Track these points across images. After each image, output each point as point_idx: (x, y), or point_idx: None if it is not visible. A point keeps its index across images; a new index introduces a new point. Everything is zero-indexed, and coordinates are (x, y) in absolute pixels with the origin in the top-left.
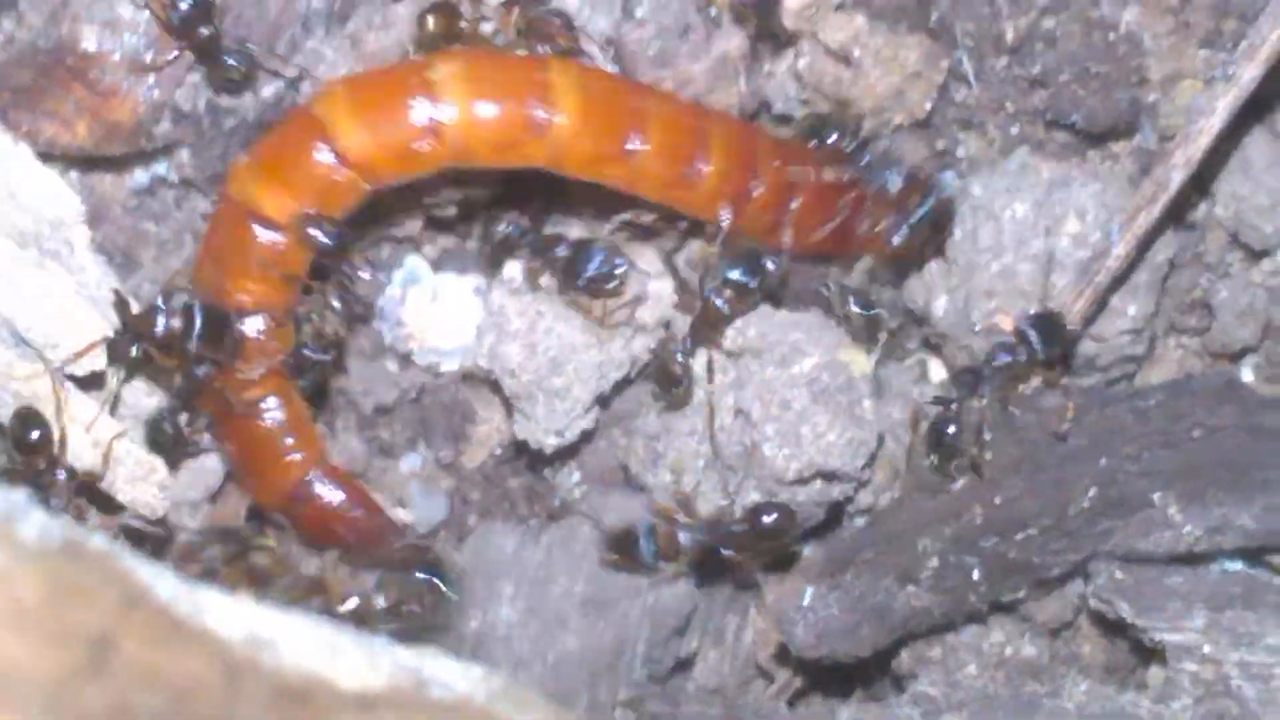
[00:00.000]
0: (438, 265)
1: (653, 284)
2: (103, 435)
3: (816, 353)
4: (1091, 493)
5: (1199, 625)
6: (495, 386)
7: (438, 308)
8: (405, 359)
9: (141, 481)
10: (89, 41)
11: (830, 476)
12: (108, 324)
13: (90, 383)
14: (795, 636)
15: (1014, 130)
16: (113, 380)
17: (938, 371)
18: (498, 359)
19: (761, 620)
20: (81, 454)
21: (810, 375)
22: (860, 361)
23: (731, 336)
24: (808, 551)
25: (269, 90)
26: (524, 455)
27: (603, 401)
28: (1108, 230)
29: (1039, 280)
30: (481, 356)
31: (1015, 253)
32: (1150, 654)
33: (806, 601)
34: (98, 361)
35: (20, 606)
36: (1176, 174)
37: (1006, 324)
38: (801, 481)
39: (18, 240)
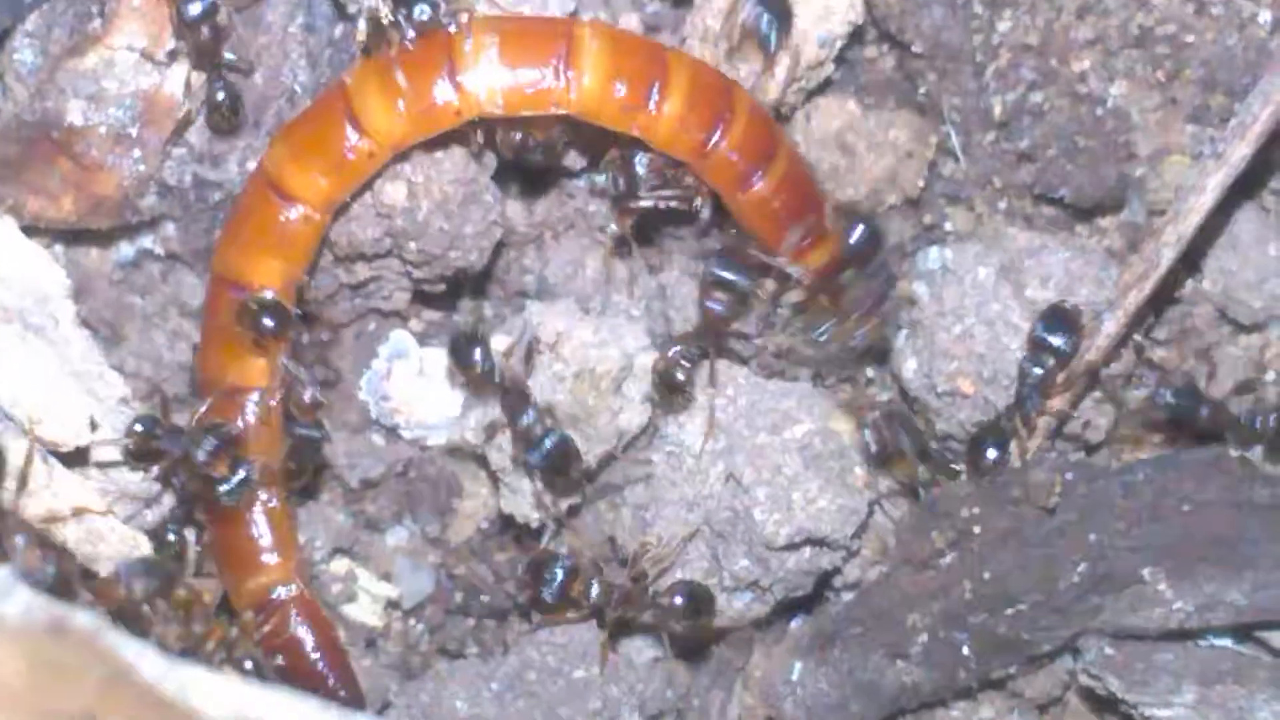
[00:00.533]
0: (424, 339)
1: (639, 358)
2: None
3: (809, 420)
4: (1081, 568)
5: (1189, 700)
6: (481, 460)
7: (424, 382)
8: (391, 433)
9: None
10: (75, 115)
11: (820, 543)
12: (92, 399)
13: (75, 459)
14: (784, 712)
15: (1001, 204)
16: (98, 457)
17: None
18: (484, 433)
19: (748, 696)
20: (66, 531)
21: (803, 441)
22: (852, 430)
23: (722, 405)
24: (796, 625)
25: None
26: (511, 529)
27: (589, 475)
28: (1076, 298)
29: (998, 344)
30: (468, 430)
31: (975, 315)
32: None
33: (795, 676)
34: (82, 437)
35: (4, 686)
36: (1167, 251)
37: (966, 387)
38: (791, 548)
39: (2, 315)
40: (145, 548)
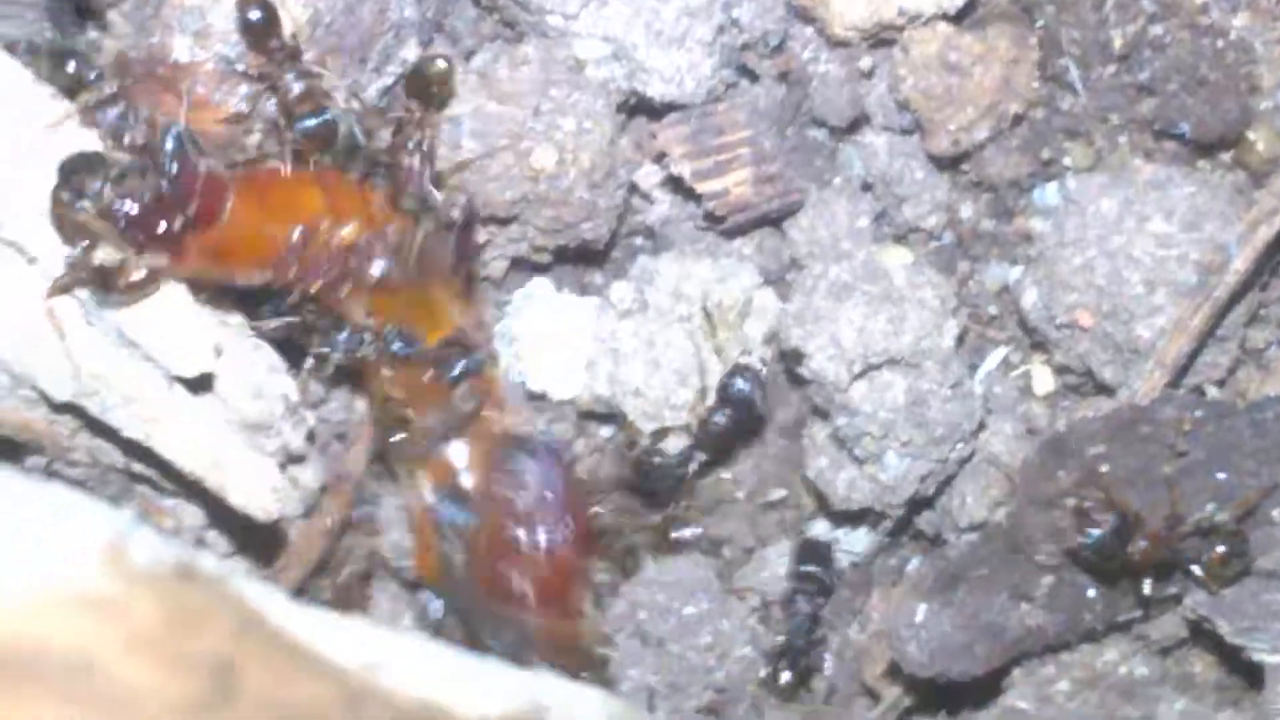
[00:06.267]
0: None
1: (756, 295)
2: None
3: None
4: (1209, 508)
5: None
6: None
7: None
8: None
9: (254, 485)
10: (180, 52)
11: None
12: (219, 326)
13: (199, 385)
14: (908, 655)
15: (1121, 139)
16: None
17: (1043, 382)
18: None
19: (865, 638)
20: (193, 459)
21: None
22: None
23: None
24: (915, 567)
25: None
26: None
27: None
28: (1200, 233)
29: (1119, 277)
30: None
31: (1097, 247)
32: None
33: (920, 619)
34: (206, 364)
35: (140, 634)
36: None
37: (1085, 320)
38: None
39: None
40: (274, 474)
